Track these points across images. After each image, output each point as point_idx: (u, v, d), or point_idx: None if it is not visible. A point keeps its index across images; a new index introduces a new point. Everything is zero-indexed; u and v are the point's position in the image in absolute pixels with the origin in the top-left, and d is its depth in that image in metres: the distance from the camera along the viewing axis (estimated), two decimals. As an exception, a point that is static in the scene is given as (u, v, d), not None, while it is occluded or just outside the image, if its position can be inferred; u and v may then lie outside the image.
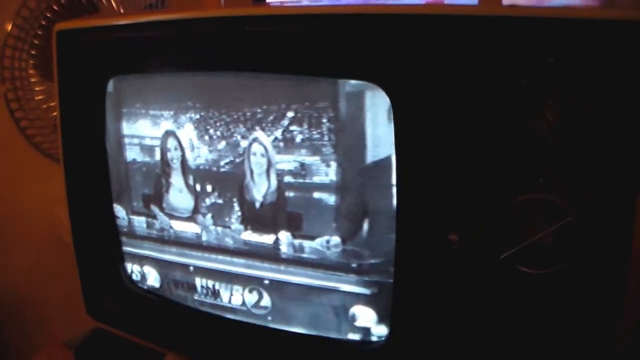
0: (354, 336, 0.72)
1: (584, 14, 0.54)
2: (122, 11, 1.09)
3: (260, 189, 0.73)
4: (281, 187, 0.71)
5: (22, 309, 1.44)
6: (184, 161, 0.78)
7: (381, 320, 0.70)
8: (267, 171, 0.71)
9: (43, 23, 1.13)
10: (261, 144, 0.71)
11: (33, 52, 1.15)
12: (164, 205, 0.83)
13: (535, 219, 0.57)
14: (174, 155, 0.79)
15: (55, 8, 1.12)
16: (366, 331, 0.72)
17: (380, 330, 0.71)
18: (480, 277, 0.60)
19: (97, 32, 0.81)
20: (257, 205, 0.73)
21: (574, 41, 0.53)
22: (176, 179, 0.80)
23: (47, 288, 1.38)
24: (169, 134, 0.78)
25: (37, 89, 1.18)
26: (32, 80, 1.18)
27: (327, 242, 0.69)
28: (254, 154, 0.71)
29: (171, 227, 0.83)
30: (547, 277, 0.58)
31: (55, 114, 1.03)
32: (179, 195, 0.81)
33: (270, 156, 0.70)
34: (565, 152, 0.55)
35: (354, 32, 0.62)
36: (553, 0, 0.66)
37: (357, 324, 0.72)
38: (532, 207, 0.57)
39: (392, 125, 0.61)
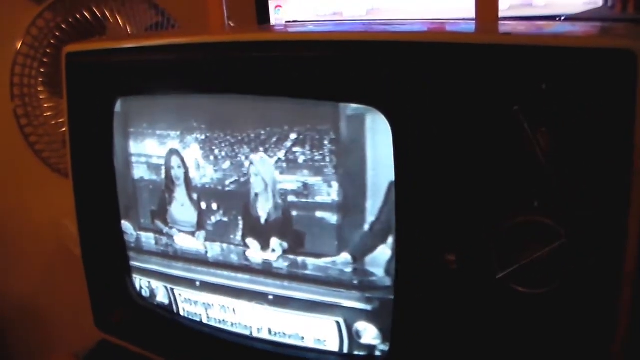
0: (358, 352, 0.74)
1: (577, 43, 0.56)
2: (128, 29, 1.11)
3: (264, 208, 0.75)
4: (285, 206, 0.73)
5: (30, 320, 1.45)
6: (187, 178, 0.80)
7: (383, 335, 0.71)
8: (270, 190, 0.73)
9: (52, 41, 1.16)
10: (262, 164, 0.73)
11: (42, 70, 1.18)
12: (168, 218, 0.85)
13: (530, 241, 0.59)
14: (177, 172, 0.81)
15: (64, 27, 1.14)
16: (370, 347, 0.73)
17: (382, 346, 0.72)
18: (477, 296, 0.62)
19: (105, 55, 0.83)
20: (262, 222, 0.75)
21: (567, 69, 0.55)
22: (179, 194, 0.82)
23: (54, 300, 1.39)
24: (173, 152, 0.80)
25: (46, 105, 1.21)
26: (41, 97, 1.20)
27: (330, 260, 0.71)
28: (256, 174, 0.73)
29: (177, 243, 0.85)
30: (542, 296, 0.60)
31: (63, 129, 1.05)
32: (181, 209, 0.83)
33: (273, 176, 0.72)
34: (558, 175, 0.57)
35: (355, 58, 0.64)
36: (554, 26, 0.68)
37: (362, 341, 0.73)
38: (527, 229, 0.59)
39: (391, 148, 0.63)
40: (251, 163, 0.74)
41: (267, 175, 0.73)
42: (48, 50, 1.16)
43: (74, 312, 1.12)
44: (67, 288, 1.16)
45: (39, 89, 1.19)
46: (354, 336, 0.74)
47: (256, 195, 0.75)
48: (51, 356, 1.25)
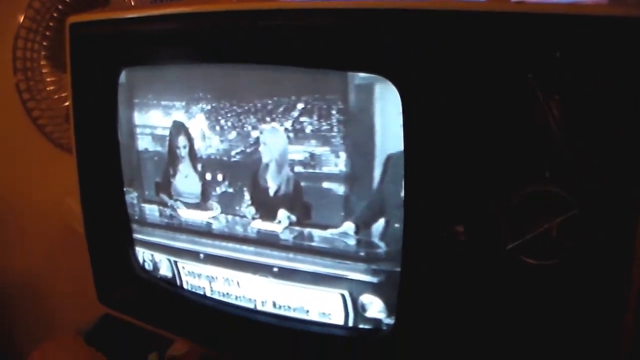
0: (363, 325, 0.74)
1: (591, 11, 0.55)
2: (132, 2, 1.10)
3: (273, 179, 0.74)
4: (294, 177, 0.72)
5: (33, 296, 1.45)
6: (192, 149, 0.80)
7: (388, 308, 0.71)
8: (280, 161, 0.72)
9: (54, 15, 1.14)
10: (272, 134, 0.72)
11: (45, 43, 1.17)
12: (172, 190, 0.84)
13: (541, 212, 0.58)
14: (182, 143, 0.80)
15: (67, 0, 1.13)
16: (375, 321, 0.73)
17: (387, 320, 0.72)
18: (486, 269, 0.61)
19: (109, 25, 0.82)
20: (270, 193, 0.74)
21: (581, 37, 0.54)
22: (184, 165, 0.81)
23: (57, 277, 1.39)
24: (177, 123, 0.80)
25: (49, 79, 1.20)
26: (44, 70, 1.19)
27: (338, 231, 0.70)
28: (265, 144, 0.73)
29: (181, 215, 0.84)
30: (551, 268, 0.59)
31: (66, 104, 1.04)
32: (185, 181, 0.82)
33: (282, 147, 0.72)
34: (570, 146, 0.56)
35: (364, 26, 0.63)
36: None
37: (367, 314, 0.73)
38: (538, 199, 0.58)
39: (400, 117, 0.62)
40: (260, 133, 0.73)
41: (277, 145, 0.72)
42: (51, 24, 1.15)
43: (76, 289, 1.12)
44: (69, 265, 1.16)
45: (42, 63, 1.18)
46: (359, 309, 0.73)
47: (266, 165, 0.74)
48: (54, 333, 1.25)
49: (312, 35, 0.66)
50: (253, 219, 0.77)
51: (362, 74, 0.65)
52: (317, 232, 0.73)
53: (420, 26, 0.60)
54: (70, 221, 1.15)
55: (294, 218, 0.74)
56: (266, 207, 0.76)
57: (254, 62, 0.72)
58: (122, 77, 0.83)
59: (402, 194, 0.64)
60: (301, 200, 0.72)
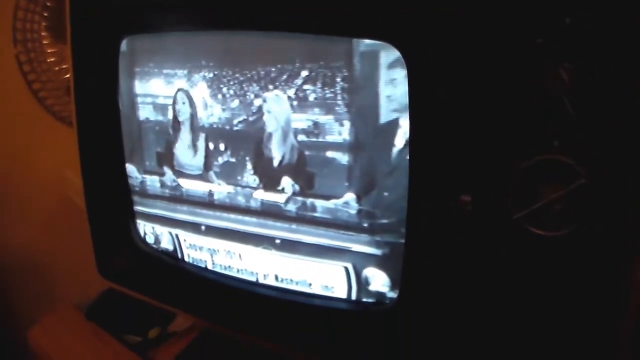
0: (366, 299, 0.73)
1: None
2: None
3: (277, 148, 0.73)
4: (298, 146, 0.71)
5: (32, 272, 1.45)
6: (193, 119, 0.78)
7: (392, 282, 0.70)
8: (284, 130, 0.71)
9: (56, -15, 1.13)
10: (276, 102, 0.71)
11: (45, 14, 1.15)
12: (173, 160, 0.83)
13: (549, 181, 0.57)
14: (184, 112, 0.79)
15: (68, -32, 1.11)
16: (379, 295, 0.72)
17: (391, 293, 0.71)
18: (492, 239, 0.60)
19: (110, -9, 0.81)
20: (274, 162, 0.73)
21: (590, 3, 0.52)
22: (185, 134, 0.80)
23: (57, 252, 1.39)
24: (180, 91, 0.79)
25: (50, 51, 1.18)
26: (44, 42, 1.18)
27: (341, 201, 0.69)
28: (269, 111, 0.71)
29: (183, 185, 0.83)
30: (559, 239, 0.58)
31: (67, 76, 1.03)
32: (187, 152, 0.81)
33: (287, 115, 0.70)
34: (580, 115, 0.54)
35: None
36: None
37: (371, 287, 0.72)
38: (546, 169, 0.57)
39: (406, 84, 0.61)
40: (264, 101, 0.72)
41: (282, 113, 0.71)
42: (52, -6, 1.14)
43: (76, 264, 1.11)
44: (69, 240, 1.15)
45: (42, 34, 1.17)
46: (362, 283, 0.72)
47: (270, 134, 0.73)
48: (54, 307, 1.24)
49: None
50: (256, 189, 0.76)
51: (367, 41, 0.64)
52: (320, 203, 0.72)
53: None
54: (70, 194, 1.14)
55: (297, 187, 0.72)
56: (269, 177, 0.75)
57: (258, 28, 0.70)
58: (123, 45, 0.82)
59: (408, 163, 0.63)
60: (305, 169, 0.71)
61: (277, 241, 0.77)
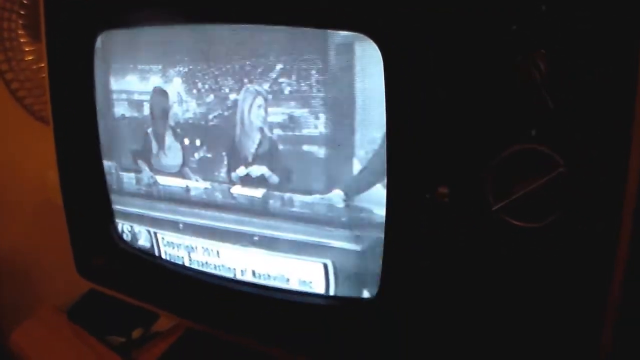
0: (344, 294, 0.72)
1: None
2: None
3: (251, 142, 0.72)
4: (272, 139, 0.70)
5: (15, 273, 1.44)
6: (169, 114, 0.77)
7: (370, 278, 0.69)
8: (258, 124, 0.70)
9: (32, -18, 1.12)
10: (250, 96, 0.70)
11: (22, 12, 1.14)
12: (151, 159, 0.82)
13: (527, 171, 0.56)
14: (158, 107, 0.78)
15: (44, -34, 1.10)
16: (358, 289, 0.71)
17: (370, 289, 0.70)
18: (471, 232, 0.60)
19: (84, -12, 0.80)
20: (249, 156, 0.72)
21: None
22: (160, 131, 0.80)
23: (40, 253, 1.37)
24: (155, 87, 0.78)
25: (27, 49, 1.17)
26: (22, 40, 1.17)
27: (319, 196, 0.68)
28: (243, 107, 0.70)
29: (160, 182, 0.82)
30: (538, 230, 0.57)
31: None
32: (163, 148, 0.80)
33: (260, 109, 0.69)
34: (557, 103, 0.54)
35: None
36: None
37: (350, 282, 0.71)
38: (524, 158, 0.56)
39: (382, 77, 0.60)
40: (239, 95, 0.70)
41: (255, 108, 0.70)
42: (29, -8, 1.12)
43: (59, 266, 1.09)
44: (52, 241, 1.13)
45: (20, 33, 1.16)
46: (341, 278, 0.71)
47: (242, 128, 0.71)
48: (36, 310, 1.23)
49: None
50: (233, 184, 0.75)
51: (342, 33, 0.63)
52: (298, 197, 0.70)
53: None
54: (52, 195, 1.13)
55: (275, 181, 0.71)
56: (246, 172, 0.73)
57: (232, 21, 0.69)
58: (98, 42, 0.81)
59: (385, 155, 0.62)
60: (281, 164, 0.70)
61: (256, 238, 0.75)
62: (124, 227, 0.89)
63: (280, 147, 0.69)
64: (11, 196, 1.36)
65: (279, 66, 0.67)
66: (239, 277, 0.79)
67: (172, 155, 0.79)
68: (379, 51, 0.60)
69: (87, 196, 0.89)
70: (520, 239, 0.58)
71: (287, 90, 0.67)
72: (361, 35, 0.61)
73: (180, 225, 0.82)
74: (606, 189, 0.54)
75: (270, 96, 0.68)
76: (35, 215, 1.35)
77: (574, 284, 0.57)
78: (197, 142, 0.76)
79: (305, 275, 0.74)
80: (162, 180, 0.82)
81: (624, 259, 0.55)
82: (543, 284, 0.58)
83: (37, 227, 1.35)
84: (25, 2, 1.13)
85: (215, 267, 0.81)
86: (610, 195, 0.54)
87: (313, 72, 0.65)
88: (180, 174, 0.79)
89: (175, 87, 0.75)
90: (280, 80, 0.67)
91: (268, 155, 0.71)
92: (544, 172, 0.55)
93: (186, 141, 0.77)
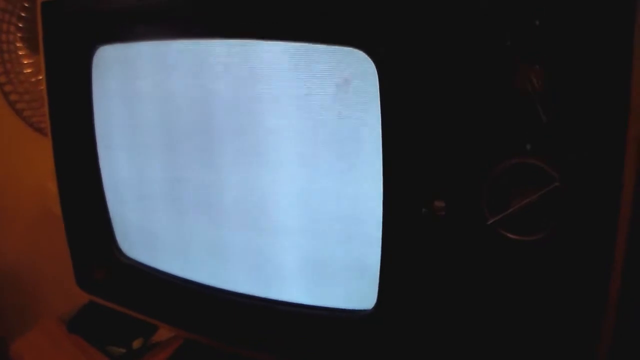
0: (344, 305, 0.72)
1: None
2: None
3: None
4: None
5: (16, 284, 1.43)
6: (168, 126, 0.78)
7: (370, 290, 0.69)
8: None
9: (30, -5, 1.12)
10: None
11: (20, 25, 1.15)
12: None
13: (522, 185, 0.56)
14: (156, 119, 0.79)
15: (42, -22, 1.10)
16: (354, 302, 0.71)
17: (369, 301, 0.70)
18: (467, 245, 0.60)
19: (81, 2, 0.80)
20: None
21: (560, 4, 0.52)
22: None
23: (40, 263, 1.38)
24: (153, 99, 0.78)
25: (26, 62, 1.17)
26: (20, 53, 1.17)
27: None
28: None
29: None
30: (534, 243, 0.57)
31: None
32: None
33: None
34: (552, 117, 0.54)
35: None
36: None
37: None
38: (519, 173, 0.56)
39: (377, 90, 0.60)
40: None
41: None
42: (26, 4, 1.12)
43: (59, 277, 1.10)
44: (52, 252, 1.14)
45: (18, 45, 1.16)
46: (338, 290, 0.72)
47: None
48: (36, 320, 1.23)
49: (290, 6, 0.64)
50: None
51: (339, 47, 0.63)
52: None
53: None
54: (52, 207, 1.13)
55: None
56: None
57: (226, 36, 0.69)
58: (96, 56, 0.81)
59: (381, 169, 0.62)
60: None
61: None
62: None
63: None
64: (11, 207, 1.36)
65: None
66: (238, 289, 0.79)
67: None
68: (374, 65, 0.60)
69: (87, 208, 0.89)
70: (516, 252, 0.58)
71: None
72: (356, 50, 0.61)
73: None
74: (601, 203, 0.54)
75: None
76: (35, 226, 1.35)
77: (571, 297, 0.57)
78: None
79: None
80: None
81: (619, 271, 0.55)
82: (539, 297, 0.58)
83: (38, 237, 1.35)
84: (23, 14, 1.13)
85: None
86: (605, 209, 0.54)
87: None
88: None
89: (174, 99, 0.75)
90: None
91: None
92: (540, 186, 0.55)
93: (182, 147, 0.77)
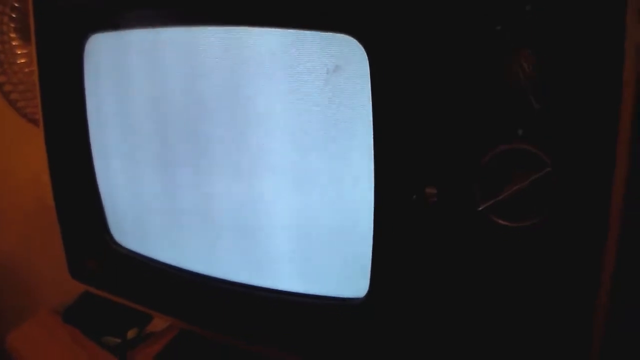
0: (335, 293, 0.72)
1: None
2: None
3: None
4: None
5: (10, 274, 1.43)
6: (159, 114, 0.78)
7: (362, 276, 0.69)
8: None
9: (23, -15, 1.11)
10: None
11: (14, 15, 1.14)
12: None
13: (514, 171, 0.56)
14: (147, 109, 0.78)
15: (35, -31, 1.10)
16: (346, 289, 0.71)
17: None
18: (458, 231, 0.60)
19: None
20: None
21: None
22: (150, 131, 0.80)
23: (35, 255, 1.37)
24: (144, 88, 0.78)
25: (19, 52, 1.17)
26: (14, 43, 1.16)
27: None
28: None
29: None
30: (526, 230, 0.57)
31: (38, 76, 1.01)
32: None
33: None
34: (543, 102, 0.54)
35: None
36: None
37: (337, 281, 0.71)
38: (511, 158, 0.56)
39: (367, 77, 0.60)
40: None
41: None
42: (20, -6, 1.12)
43: (54, 268, 1.09)
44: (47, 243, 1.13)
45: (11, 36, 1.15)
46: (331, 278, 0.71)
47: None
48: (32, 312, 1.23)
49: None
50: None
51: (329, 34, 0.63)
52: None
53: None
54: (46, 198, 1.13)
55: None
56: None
57: (218, 23, 0.69)
58: (88, 44, 0.81)
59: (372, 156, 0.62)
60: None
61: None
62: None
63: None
64: (4, 199, 1.36)
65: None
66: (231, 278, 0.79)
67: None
68: (365, 52, 0.60)
69: (79, 198, 0.89)
70: (508, 238, 0.58)
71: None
72: (347, 37, 0.61)
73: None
74: (593, 189, 0.54)
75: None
76: (29, 217, 1.35)
77: (562, 284, 0.57)
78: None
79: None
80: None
81: (611, 258, 0.55)
82: (531, 284, 0.58)
83: (32, 229, 1.35)
84: (16, 5, 1.12)
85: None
86: (597, 195, 0.54)
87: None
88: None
89: (167, 90, 0.75)
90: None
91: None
92: (531, 171, 0.55)
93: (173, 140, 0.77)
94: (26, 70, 1.17)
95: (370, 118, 0.61)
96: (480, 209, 0.57)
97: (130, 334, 1.05)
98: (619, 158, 0.52)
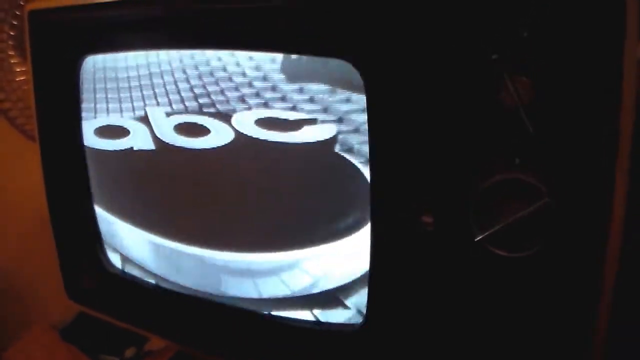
0: (332, 320, 0.71)
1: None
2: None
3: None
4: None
5: (8, 292, 1.43)
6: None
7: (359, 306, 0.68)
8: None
9: (21, 3, 1.11)
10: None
11: (12, 33, 1.14)
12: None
13: (511, 201, 0.55)
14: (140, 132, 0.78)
15: (33, -14, 1.10)
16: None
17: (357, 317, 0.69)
18: (455, 261, 0.59)
19: (70, 12, 0.79)
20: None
21: (548, 16, 0.51)
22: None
23: (34, 272, 1.36)
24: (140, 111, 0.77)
25: (18, 69, 1.17)
26: (12, 61, 1.16)
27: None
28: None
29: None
30: (523, 260, 0.56)
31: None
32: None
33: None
34: (540, 131, 0.53)
35: (325, 8, 0.60)
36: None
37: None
38: (508, 188, 0.55)
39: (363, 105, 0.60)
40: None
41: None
42: (18, 13, 1.12)
43: (52, 285, 1.09)
44: (45, 260, 1.12)
45: (10, 53, 1.15)
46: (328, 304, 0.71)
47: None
48: (30, 329, 1.23)
49: (278, 17, 0.63)
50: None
51: (324, 60, 0.62)
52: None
53: (382, 6, 0.57)
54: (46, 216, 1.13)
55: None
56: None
57: (213, 47, 0.69)
58: (84, 65, 0.81)
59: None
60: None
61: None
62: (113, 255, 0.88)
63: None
64: (3, 215, 1.36)
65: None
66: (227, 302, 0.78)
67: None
68: (361, 78, 0.59)
69: (76, 219, 0.89)
70: (505, 268, 0.57)
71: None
72: (343, 62, 0.60)
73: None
74: (592, 219, 0.53)
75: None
76: (28, 234, 1.34)
77: (560, 314, 0.56)
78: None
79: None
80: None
81: (610, 289, 0.54)
82: (528, 314, 0.57)
83: (30, 246, 1.34)
84: (14, 23, 1.12)
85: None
86: (596, 225, 0.53)
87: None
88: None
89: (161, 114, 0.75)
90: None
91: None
92: (529, 201, 0.54)
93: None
94: (25, 87, 1.17)
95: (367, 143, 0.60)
96: (477, 239, 0.56)
97: (128, 352, 1.05)
98: (618, 187, 0.52)
